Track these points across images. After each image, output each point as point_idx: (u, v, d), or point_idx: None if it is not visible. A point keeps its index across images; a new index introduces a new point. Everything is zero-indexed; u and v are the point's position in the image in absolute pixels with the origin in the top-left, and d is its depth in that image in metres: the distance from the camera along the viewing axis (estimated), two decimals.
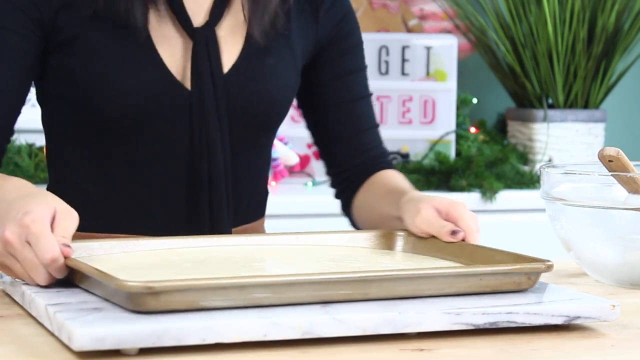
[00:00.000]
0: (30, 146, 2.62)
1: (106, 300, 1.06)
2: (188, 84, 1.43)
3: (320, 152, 1.63)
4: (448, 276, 1.12)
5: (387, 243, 1.38)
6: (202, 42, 1.44)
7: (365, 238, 1.38)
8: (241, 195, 1.50)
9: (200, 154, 1.44)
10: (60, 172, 1.49)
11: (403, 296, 1.10)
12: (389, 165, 1.59)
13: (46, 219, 1.14)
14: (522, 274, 1.15)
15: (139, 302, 1.01)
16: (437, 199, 1.35)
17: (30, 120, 2.79)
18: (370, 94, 1.61)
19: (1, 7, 1.40)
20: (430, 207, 1.33)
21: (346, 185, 1.59)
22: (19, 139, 2.65)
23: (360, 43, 1.60)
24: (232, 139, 1.46)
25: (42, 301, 1.05)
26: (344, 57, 1.58)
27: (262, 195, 1.57)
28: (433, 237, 1.33)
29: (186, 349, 0.97)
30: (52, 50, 1.42)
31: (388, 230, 1.39)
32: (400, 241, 1.37)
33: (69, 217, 1.17)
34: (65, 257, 1.12)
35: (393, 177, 1.56)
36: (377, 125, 1.61)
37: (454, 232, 1.30)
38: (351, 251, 1.34)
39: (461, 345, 1.03)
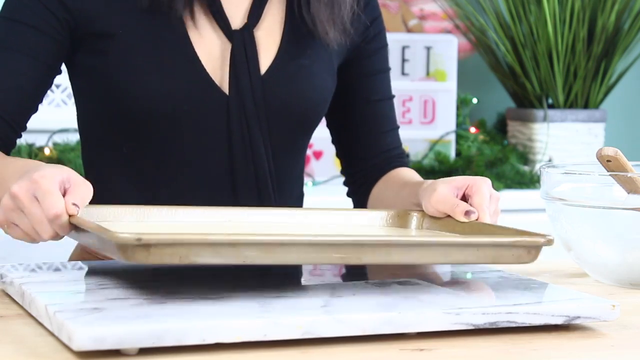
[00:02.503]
0: (30, 146, 2.61)
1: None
2: (226, 87, 1.43)
3: (339, 150, 1.63)
4: (443, 245, 1.11)
5: (401, 222, 1.38)
6: (241, 45, 1.43)
7: (381, 217, 1.38)
8: (284, 198, 1.50)
9: (245, 157, 1.43)
10: (96, 176, 1.46)
11: (397, 263, 1.09)
12: (405, 165, 1.61)
13: (56, 178, 1.16)
14: (522, 247, 1.13)
15: (130, 254, 0.99)
16: (460, 178, 1.35)
17: (30, 120, 2.79)
18: (394, 96, 1.62)
19: (27, 4, 1.39)
20: (448, 186, 1.33)
21: (362, 182, 1.60)
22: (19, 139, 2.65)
23: (386, 44, 1.61)
24: (272, 142, 1.46)
25: (42, 301, 1.05)
26: (373, 57, 1.58)
27: (301, 197, 1.58)
28: (449, 216, 1.32)
29: (186, 349, 0.97)
30: (87, 50, 1.41)
31: (403, 210, 1.39)
32: (414, 220, 1.37)
33: (84, 186, 1.18)
34: (70, 216, 1.14)
35: (410, 173, 1.58)
36: (398, 127, 1.64)
37: (467, 212, 1.29)
38: (365, 229, 1.34)
39: (461, 345, 1.03)
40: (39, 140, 2.67)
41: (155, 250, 1.00)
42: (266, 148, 1.45)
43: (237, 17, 1.45)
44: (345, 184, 1.64)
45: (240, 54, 1.43)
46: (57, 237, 1.16)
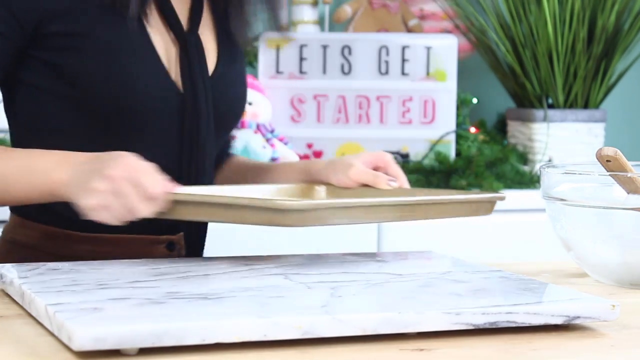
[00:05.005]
0: None
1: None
2: (180, 86, 1.47)
3: None
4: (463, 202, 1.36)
5: (310, 195, 1.55)
6: (193, 46, 1.49)
7: (285, 192, 1.53)
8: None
9: (190, 153, 1.49)
10: None
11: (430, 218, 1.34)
12: (234, 151, 1.76)
13: (141, 161, 1.27)
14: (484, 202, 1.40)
15: (293, 218, 1.19)
16: (363, 155, 1.55)
17: None
18: None
19: None
20: (360, 162, 1.53)
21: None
22: None
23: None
24: (216, 139, 1.54)
25: (42, 301, 1.05)
26: None
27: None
28: (362, 186, 1.52)
29: (186, 349, 0.97)
30: (51, 48, 1.42)
31: (308, 184, 1.57)
32: (322, 191, 1.55)
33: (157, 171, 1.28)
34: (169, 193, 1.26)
35: (247, 159, 1.75)
36: None
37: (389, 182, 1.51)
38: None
39: (461, 345, 1.03)
40: None
41: (316, 214, 1.20)
42: (211, 146, 1.52)
43: (182, 19, 1.52)
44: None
45: (194, 55, 1.49)
46: (154, 214, 1.26)
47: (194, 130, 1.48)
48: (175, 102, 1.47)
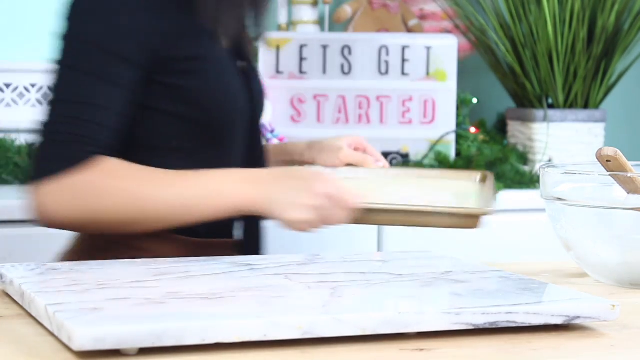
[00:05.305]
0: (30, 146, 2.61)
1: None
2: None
3: None
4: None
5: None
6: (251, 68, 1.64)
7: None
8: None
9: (255, 156, 1.62)
10: None
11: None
12: None
13: (336, 177, 1.49)
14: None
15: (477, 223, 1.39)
16: (341, 138, 1.76)
17: (30, 120, 2.79)
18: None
19: (122, 37, 1.44)
20: (345, 144, 1.74)
21: None
22: (19, 138, 2.65)
23: None
24: None
25: (42, 301, 1.05)
26: None
27: None
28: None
29: (186, 349, 0.97)
30: (171, 72, 1.48)
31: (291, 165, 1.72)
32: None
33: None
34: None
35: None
36: None
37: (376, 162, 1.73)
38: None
39: (461, 345, 1.03)
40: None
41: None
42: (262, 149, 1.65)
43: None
44: None
45: (250, 68, 1.63)
46: (348, 222, 1.43)
47: (258, 134, 1.63)
48: (248, 112, 1.59)
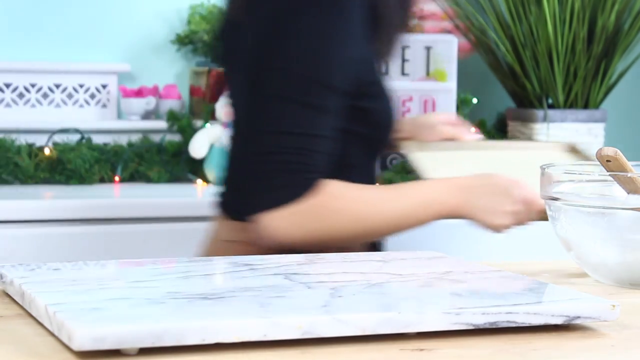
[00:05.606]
0: (30, 146, 2.62)
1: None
2: None
3: None
4: None
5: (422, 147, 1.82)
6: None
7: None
8: None
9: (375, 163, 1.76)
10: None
11: None
12: None
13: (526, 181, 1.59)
14: None
15: None
16: (435, 115, 1.96)
17: (30, 120, 2.80)
18: None
19: (335, 68, 1.54)
20: (440, 121, 1.89)
21: None
22: (19, 138, 2.65)
23: None
24: None
25: (42, 301, 1.05)
26: None
27: None
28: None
29: (186, 348, 0.97)
30: (358, 95, 1.59)
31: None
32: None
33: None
34: None
35: None
36: None
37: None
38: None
39: (461, 345, 1.03)
40: (39, 141, 2.67)
41: None
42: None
43: None
44: None
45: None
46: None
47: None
48: None
